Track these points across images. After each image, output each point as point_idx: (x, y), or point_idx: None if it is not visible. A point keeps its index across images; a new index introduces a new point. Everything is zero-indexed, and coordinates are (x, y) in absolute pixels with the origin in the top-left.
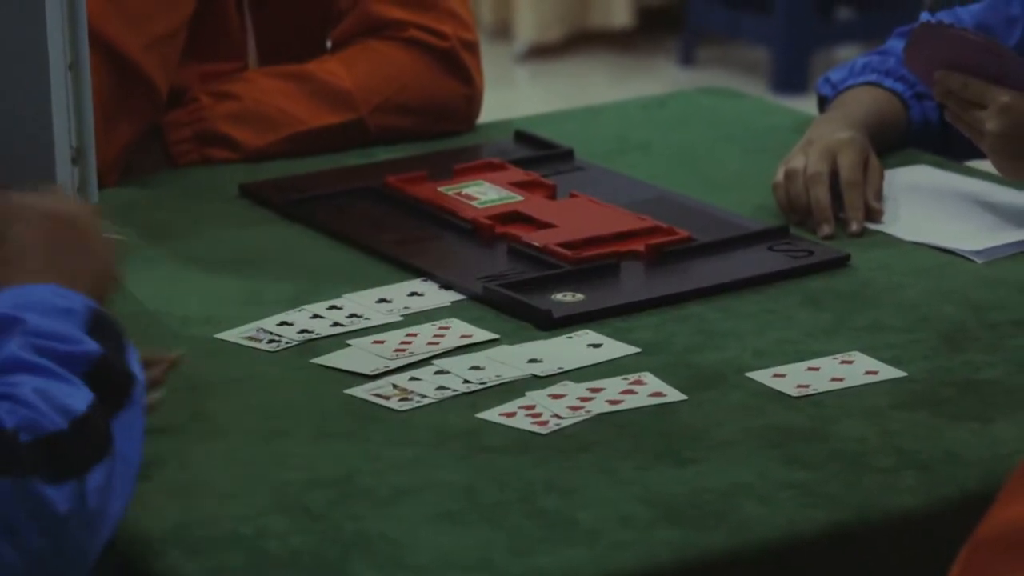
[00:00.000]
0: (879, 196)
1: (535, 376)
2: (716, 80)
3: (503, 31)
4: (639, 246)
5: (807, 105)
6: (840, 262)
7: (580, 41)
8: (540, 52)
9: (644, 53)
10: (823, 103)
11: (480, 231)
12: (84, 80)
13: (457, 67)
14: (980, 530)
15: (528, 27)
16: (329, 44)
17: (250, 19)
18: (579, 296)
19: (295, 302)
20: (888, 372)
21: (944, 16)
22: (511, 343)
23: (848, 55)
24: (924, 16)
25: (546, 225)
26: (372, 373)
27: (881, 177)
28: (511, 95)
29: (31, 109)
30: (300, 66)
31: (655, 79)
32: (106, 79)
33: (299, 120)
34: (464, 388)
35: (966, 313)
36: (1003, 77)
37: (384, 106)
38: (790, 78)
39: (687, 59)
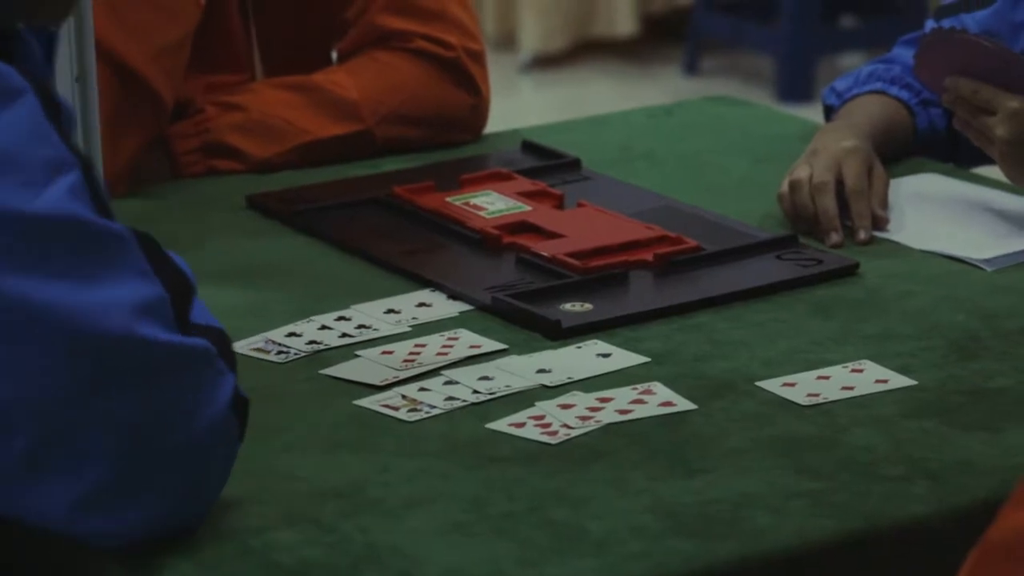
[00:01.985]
0: (884, 204)
1: (544, 386)
2: (721, 89)
3: (507, 41)
4: (647, 255)
5: (812, 113)
6: (849, 270)
7: (584, 50)
8: (544, 61)
9: (648, 62)
10: (829, 113)
11: (488, 241)
12: (91, 92)
13: (463, 77)
14: (990, 533)
15: (532, 37)
16: (335, 56)
17: (254, 31)
18: (588, 306)
19: (303, 313)
20: (898, 380)
21: (951, 23)
22: (520, 353)
23: (853, 63)
24: (930, 23)
25: (554, 235)
26: (381, 384)
27: (886, 185)
28: (516, 104)
29: None
30: (306, 77)
31: (659, 88)
32: (111, 90)
33: (306, 131)
34: (473, 398)
35: (976, 321)
36: (1013, 83)
37: (391, 117)
38: (795, 86)
39: (692, 68)
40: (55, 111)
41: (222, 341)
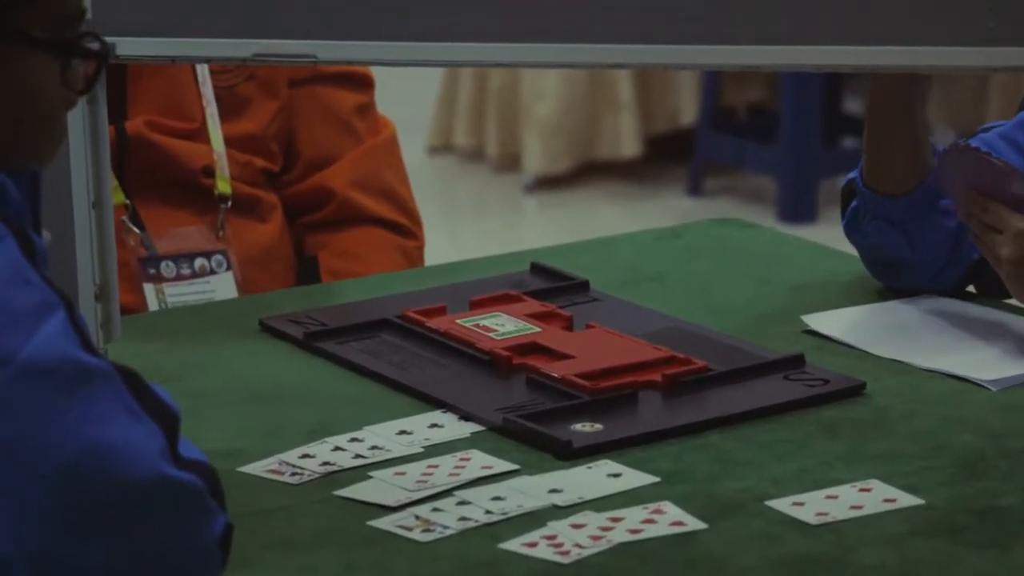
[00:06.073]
0: None
1: (556, 506)
2: (724, 209)
3: (511, 163)
4: (656, 376)
5: (815, 234)
6: (856, 390)
7: (588, 171)
8: (548, 182)
9: (652, 183)
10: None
11: (498, 362)
12: (107, 218)
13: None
14: None
15: (536, 159)
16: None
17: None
18: (598, 426)
19: (316, 434)
20: (906, 500)
21: (975, 140)
22: (532, 473)
23: None
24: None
25: (564, 356)
26: (395, 504)
27: None
28: (520, 225)
29: (55, 246)
30: None
31: (663, 209)
32: None
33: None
34: (486, 519)
35: (983, 441)
36: (1021, 203)
37: None
38: (797, 207)
39: (695, 189)
40: (32, 251)
41: (211, 476)
